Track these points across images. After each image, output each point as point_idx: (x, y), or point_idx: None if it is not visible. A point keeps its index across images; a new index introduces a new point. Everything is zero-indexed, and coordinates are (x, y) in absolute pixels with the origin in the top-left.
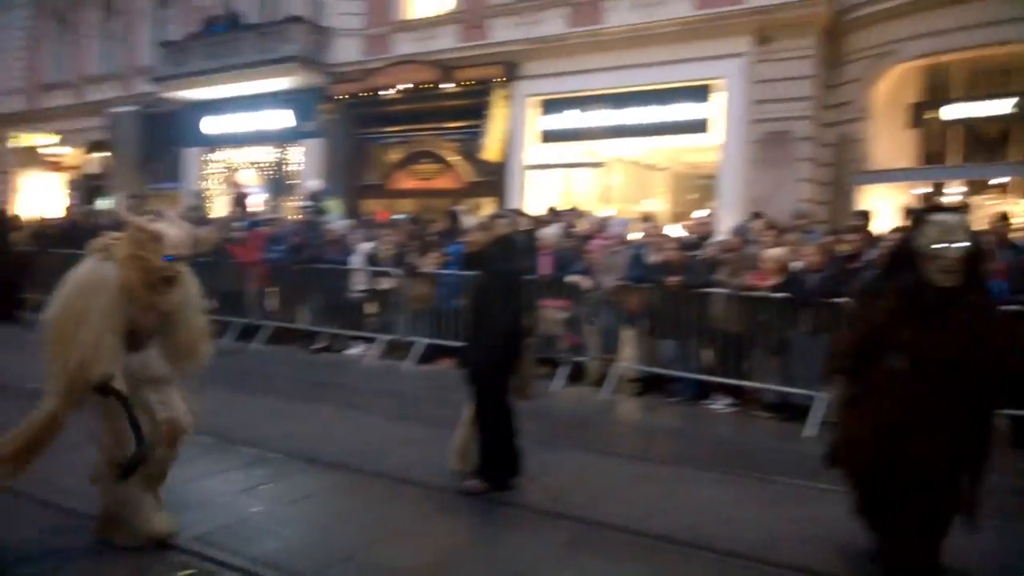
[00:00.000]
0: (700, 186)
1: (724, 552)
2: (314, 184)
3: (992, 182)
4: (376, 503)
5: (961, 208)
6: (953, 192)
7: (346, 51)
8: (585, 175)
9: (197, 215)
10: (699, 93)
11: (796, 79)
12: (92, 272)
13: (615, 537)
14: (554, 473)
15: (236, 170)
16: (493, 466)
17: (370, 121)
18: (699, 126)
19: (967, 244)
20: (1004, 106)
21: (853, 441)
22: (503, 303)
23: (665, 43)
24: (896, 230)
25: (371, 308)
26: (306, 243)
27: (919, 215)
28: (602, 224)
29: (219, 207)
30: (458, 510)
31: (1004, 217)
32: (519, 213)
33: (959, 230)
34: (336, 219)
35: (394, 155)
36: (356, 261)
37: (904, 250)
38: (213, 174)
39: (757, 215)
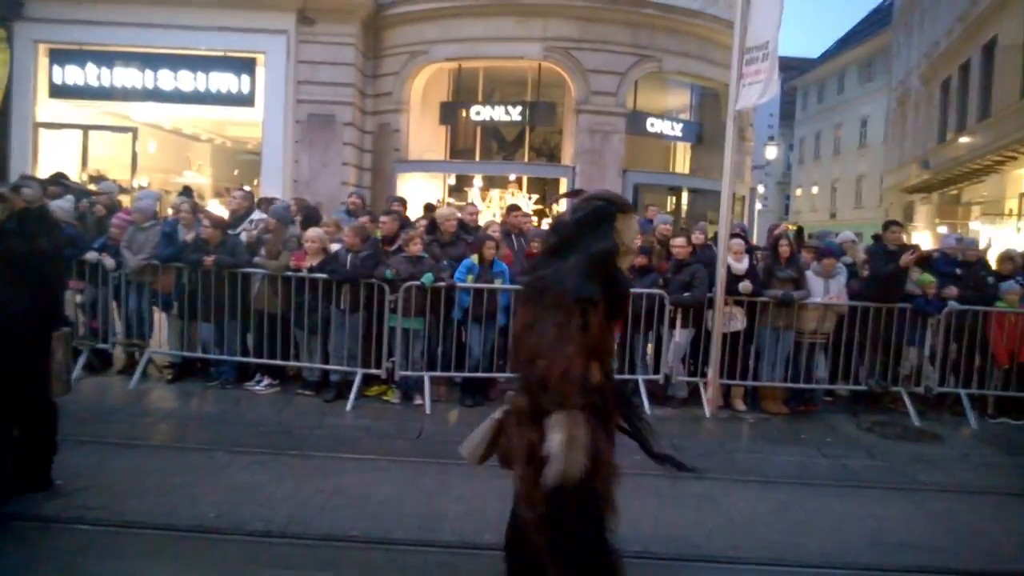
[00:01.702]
0: (245, 162)
1: (254, 533)
2: None
3: (511, 177)
4: None
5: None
6: (476, 185)
7: None
8: (112, 140)
9: None
10: (244, 65)
11: (339, 64)
12: None
13: (139, 535)
14: (72, 474)
15: None
16: None
17: None
18: (244, 99)
19: None
20: (516, 112)
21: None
22: (17, 287)
23: (203, 7)
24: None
25: None
26: None
27: (617, 208)
28: (126, 195)
29: None
30: None
31: (515, 208)
32: (54, 181)
33: None
34: None
35: None
36: None
37: (613, 250)
38: None
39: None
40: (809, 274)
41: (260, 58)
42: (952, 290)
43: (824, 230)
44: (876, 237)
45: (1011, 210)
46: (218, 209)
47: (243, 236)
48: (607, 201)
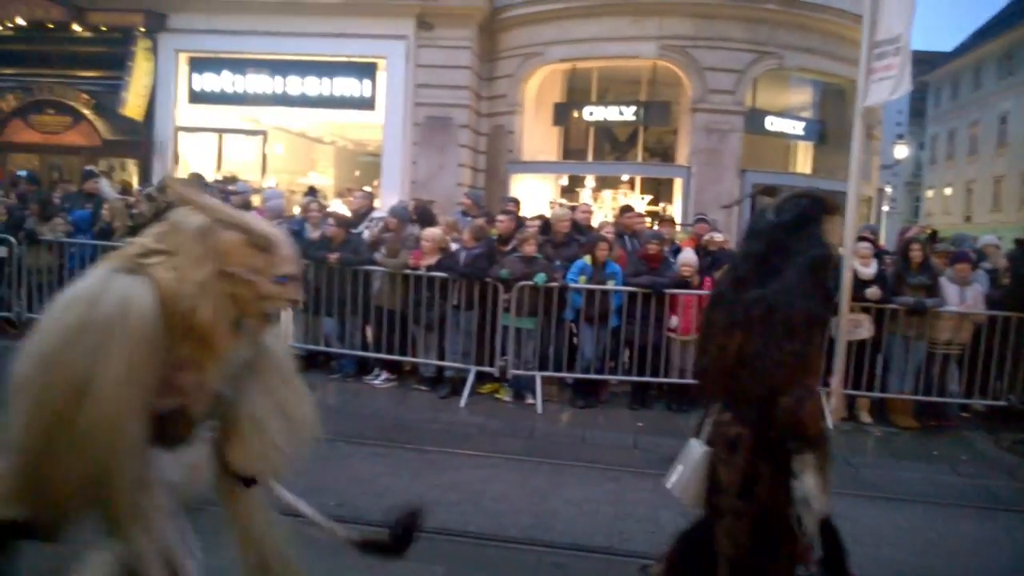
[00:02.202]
0: (366, 163)
1: (373, 523)
2: None
3: (623, 178)
4: None
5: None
6: (588, 186)
7: None
8: (244, 143)
9: None
10: (365, 70)
11: (455, 68)
12: (110, 298)
13: None
14: None
15: None
16: None
17: None
18: (365, 103)
19: None
20: (630, 112)
21: None
22: None
23: (327, 15)
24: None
25: None
26: None
27: (825, 207)
28: (256, 196)
29: None
30: None
31: (628, 209)
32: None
33: None
34: None
35: (9, 101)
36: None
37: (828, 256)
38: None
39: (415, 199)
40: (943, 281)
41: (381, 63)
42: None
43: (960, 234)
44: (1018, 241)
45: None
46: (341, 209)
47: (365, 234)
48: (814, 200)
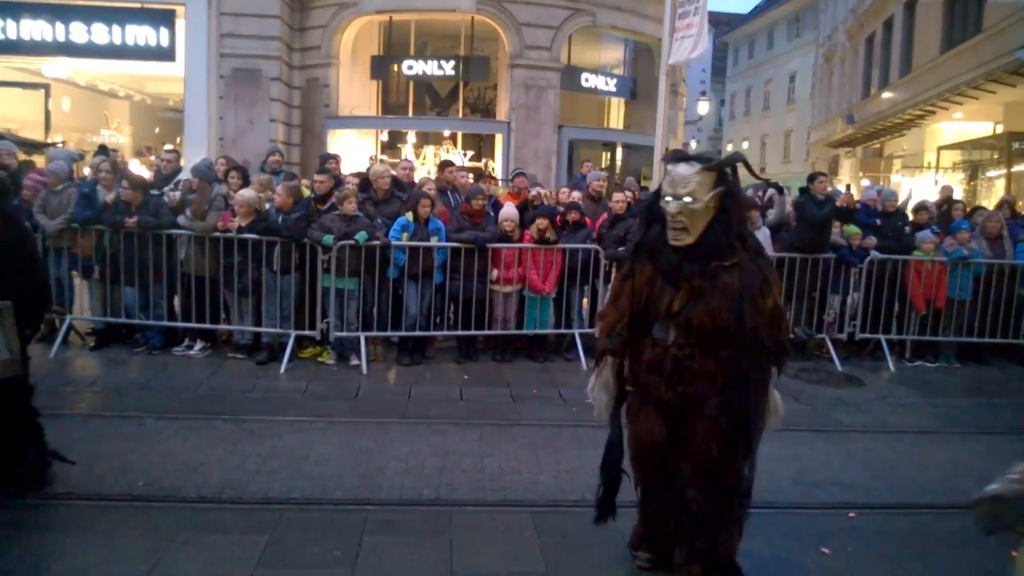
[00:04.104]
0: (166, 119)
1: (186, 499)
2: None
3: (445, 133)
4: None
5: (717, 158)
6: (409, 142)
7: None
8: (22, 97)
9: None
10: (162, 17)
11: (263, 17)
12: None
13: (65, 507)
14: None
15: None
16: None
17: None
18: (163, 53)
19: (691, 199)
20: (449, 67)
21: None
22: None
23: None
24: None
25: None
26: None
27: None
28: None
29: None
30: None
31: (449, 164)
32: None
33: (689, 182)
34: None
35: None
36: None
37: (653, 204)
38: None
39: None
40: None
41: (180, 10)
42: (872, 240)
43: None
44: (803, 190)
45: (930, 163)
46: (139, 169)
47: (166, 197)
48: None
